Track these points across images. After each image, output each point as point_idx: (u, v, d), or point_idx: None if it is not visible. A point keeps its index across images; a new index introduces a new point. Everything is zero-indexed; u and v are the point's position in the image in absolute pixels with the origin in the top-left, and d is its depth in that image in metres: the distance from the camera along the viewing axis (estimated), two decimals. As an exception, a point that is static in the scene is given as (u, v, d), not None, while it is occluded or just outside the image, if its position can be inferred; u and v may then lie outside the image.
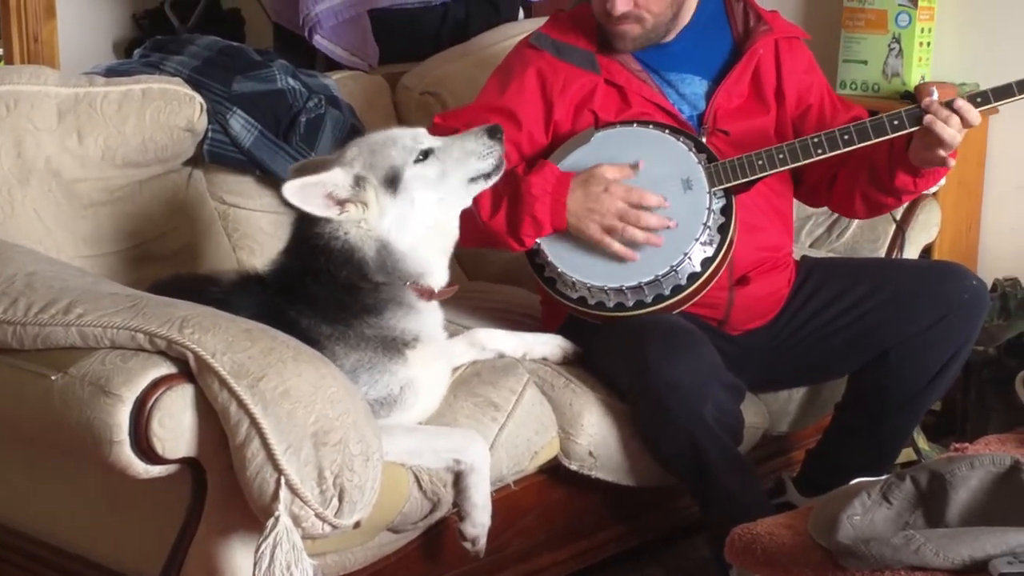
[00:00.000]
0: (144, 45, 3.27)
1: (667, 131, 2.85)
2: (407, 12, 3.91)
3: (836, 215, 3.63)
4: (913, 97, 3.82)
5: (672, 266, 2.75)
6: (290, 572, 2.14)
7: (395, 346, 2.52)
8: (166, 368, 2.18)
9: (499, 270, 3.47)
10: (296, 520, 2.15)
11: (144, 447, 2.15)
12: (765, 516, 2.64)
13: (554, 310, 2.94)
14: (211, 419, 2.18)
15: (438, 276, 2.60)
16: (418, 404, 2.56)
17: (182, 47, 3.19)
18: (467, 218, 2.68)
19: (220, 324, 2.23)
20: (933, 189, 3.66)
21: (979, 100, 2.74)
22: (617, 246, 2.76)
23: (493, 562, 2.74)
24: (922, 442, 3.42)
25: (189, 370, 2.18)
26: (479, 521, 2.59)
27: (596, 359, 2.90)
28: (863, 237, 3.60)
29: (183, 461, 2.21)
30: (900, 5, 3.97)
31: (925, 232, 3.63)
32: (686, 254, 2.75)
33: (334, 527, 2.20)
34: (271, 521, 2.13)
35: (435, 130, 2.73)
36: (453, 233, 2.64)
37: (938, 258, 3.81)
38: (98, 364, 2.19)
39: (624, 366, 2.80)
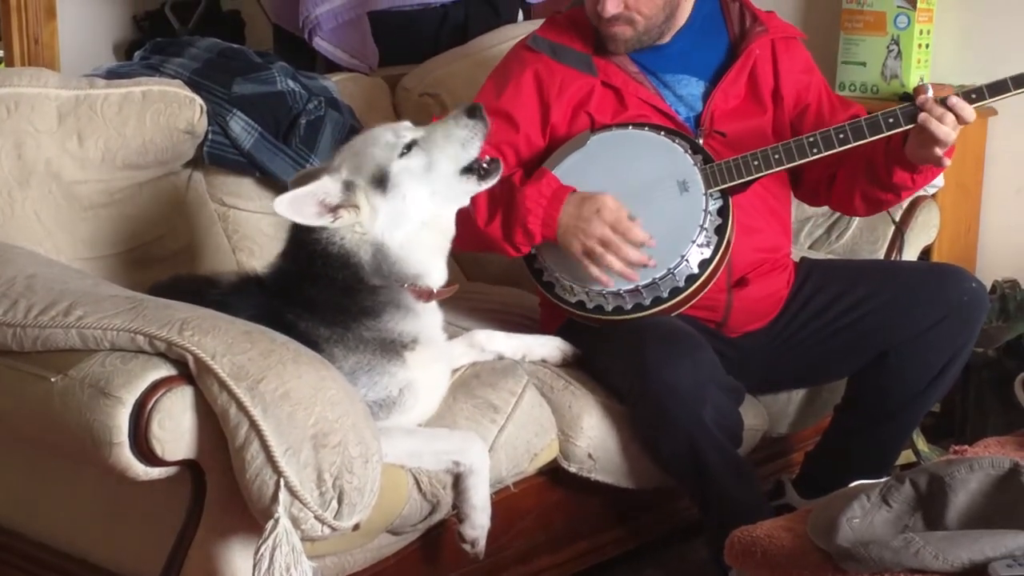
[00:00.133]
0: (144, 47, 3.27)
1: (663, 133, 2.86)
2: (406, 14, 3.91)
3: (835, 217, 3.64)
4: (912, 99, 3.82)
5: (670, 269, 2.75)
6: (289, 574, 2.14)
7: (394, 348, 2.52)
8: (166, 370, 2.18)
9: (498, 271, 3.47)
10: (295, 522, 2.15)
11: (144, 449, 2.15)
12: (764, 518, 2.64)
13: (553, 312, 2.94)
14: (211, 421, 2.18)
15: (436, 276, 2.60)
16: (417, 406, 2.56)
17: (182, 49, 3.19)
18: (465, 222, 2.68)
19: (220, 326, 2.23)
20: (933, 190, 3.67)
21: (974, 96, 2.73)
22: (593, 269, 2.75)
23: (492, 564, 2.74)
24: (921, 444, 3.42)
25: (189, 372, 2.18)
26: (478, 523, 2.59)
27: (595, 362, 2.90)
28: (862, 239, 3.60)
29: (183, 463, 2.22)
30: (899, 7, 3.97)
31: (924, 233, 3.63)
32: (683, 256, 2.75)
33: (333, 529, 2.20)
34: (270, 523, 2.13)
35: None
36: (449, 231, 2.63)
37: (937, 260, 3.81)
38: (98, 366, 2.19)
39: (623, 369, 2.81)
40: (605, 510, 3.01)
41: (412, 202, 2.53)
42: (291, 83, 3.18)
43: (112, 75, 3.04)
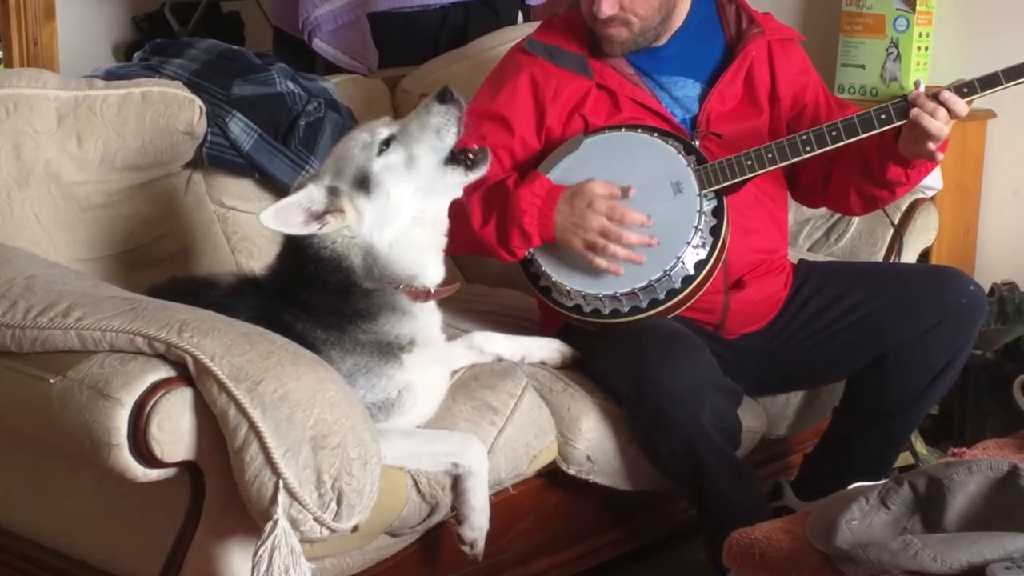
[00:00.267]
0: (144, 48, 3.27)
1: (656, 134, 2.86)
2: (406, 15, 3.91)
3: (834, 219, 3.64)
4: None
5: (665, 271, 2.75)
6: (288, 575, 2.14)
7: (391, 351, 2.51)
8: (165, 372, 2.18)
9: (497, 273, 3.47)
10: (294, 524, 2.15)
11: (143, 450, 2.15)
12: (762, 520, 2.64)
13: (552, 314, 2.94)
14: (210, 422, 2.18)
15: (432, 275, 2.59)
16: (416, 408, 2.56)
17: (182, 50, 3.19)
18: (460, 226, 2.67)
19: (219, 328, 2.23)
20: (931, 192, 3.68)
21: (966, 90, 2.73)
22: (599, 261, 2.76)
23: (491, 565, 2.74)
24: (920, 446, 3.42)
25: (188, 374, 2.18)
26: (477, 524, 2.59)
27: (593, 364, 2.90)
28: (861, 241, 3.60)
29: (182, 464, 2.22)
30: (898, 9, 3.97)
31: (923, 236, 3.63)
32: (679, 258, 2.75)
33: (332, 531, 2.20)
34: (269, 525, 2.13)
35: None
36: (441, 226, 2.61)
37: (936, 262, 3.81)
38: (97, 367, 2.19)
39: (621, 372, 2.81)
40: (604, 512, 3.02)
41: (397, 199, 2.52)
42: (290, 84, 3.18)
43: (111, 76, 3.04)
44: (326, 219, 2.47)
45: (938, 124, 2.70)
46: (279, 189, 3.03)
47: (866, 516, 2.04)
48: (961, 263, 3.88)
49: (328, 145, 3.12)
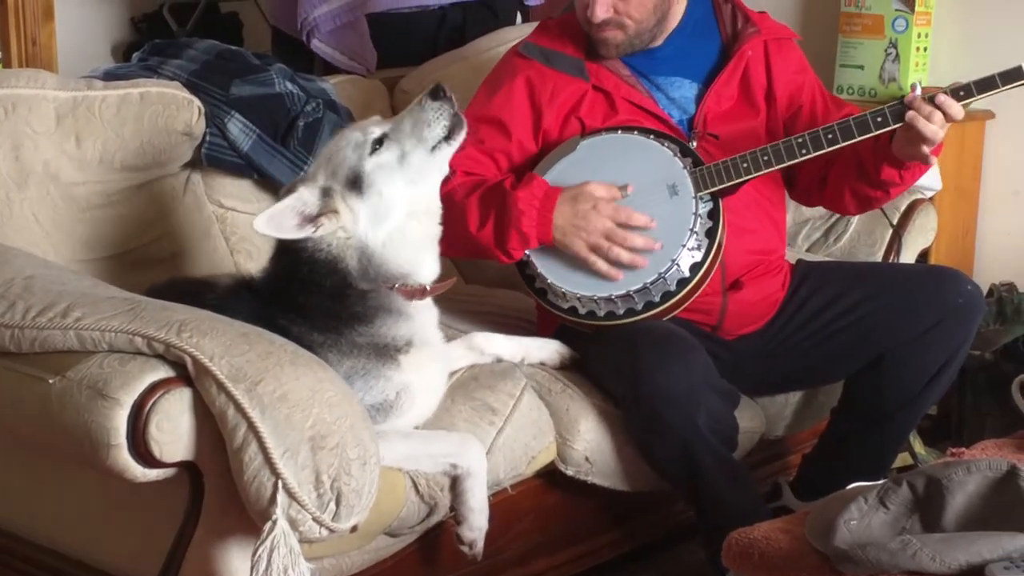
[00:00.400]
0: (142, 49, 3.27)
1: (652, 136, 2.86)
2: (404, 16, 3.91)
3: (833, 220, 3.64)
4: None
5: (661, 273, 2.75)
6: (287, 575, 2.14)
7: (388, 352, 2.51)
8: (164, 372, 2.18)
9: (496, 274, 3.47)
10: (293, 524, 2.15)
11: (142, 451, 2.15)
12: (760, 521, 2.64)
13: (549, 315, 2.94)
14: (209, 423, 2.18)
15: (426, 271, 2.59)
16: (414, 408, 2.56)
17: (180, 51, 3.19)
18: (456, 228, 2.67)
19: (218, 328, 2.23)
20: (930, 193, 3.68)
21: (962, 94, 2.73)
22: (602, 264, 2.75)
23: (490, 566, 2.74)
24: (919, 447, 3.42)
25: (187, 374, 2.18)
26: (476, 525, 2.59)
27: (590, 366, 2.90)
28: (860, 242, 3.60)
29: (181, 465, 2.21)
30: (897, 10, 3.98)
31: (922, 236, 3.63)
32: (674, 260, 2.75)
33: (331, 531, 2.20)
34: (268, 525, 2.13)
35: None
36: (434, 213, 2.61)
37: (934, 263, 3.81)
38: (96, 368, 2.19)
39: (616, 375, 2.81)
40: (602, 512, 3.02)
41: (390, 196, 2.51)
42: (289, 85, 3.18)
43: (110, 76, 3.04)
44: (320, 221, 2.47)
45: (933, 128, 2.70)
46: (278, 190, 3.01)
47: (865, 516, 2.05)
48: (960, 264, 3.88)
49: (327, 145, 3.12)
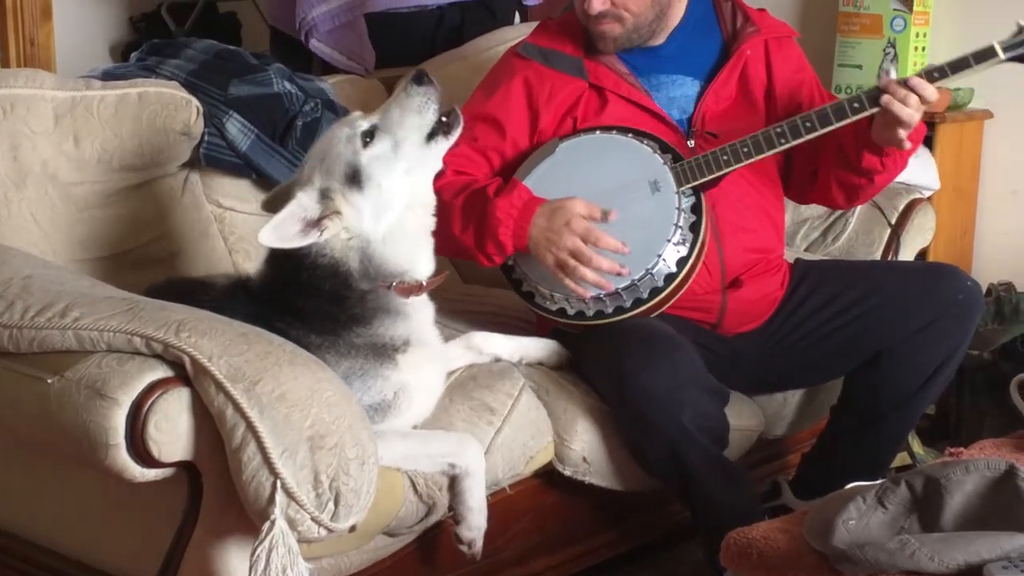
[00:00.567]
0: (140, 48, 3.27)
1: (630, 135, 2.86)
2: (403, 16, 3.91)
3: (831, 219, 3.64)
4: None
5: (648, 269, 2.75)
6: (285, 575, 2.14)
7: (386, 352, 2.51)
8: (162, 372, 2.18)
9: (494, 273, 3.45)
10: (292, 524, 2.15)
11: (140, 451, 2.15)
12: (754, 516, 2.65)
13: (545, 315, 2.95)
14: (207, 423, 2.18)
15: (422, 267, 2.58)
16: (412, 408, 2.56)
17: (178, 51, 3.19)
18: (442, 227, 2.66)
19: (216, 328, 2.23)
20: (928, 192, 3.68)
21: (936, 75, 2.74)
22: (568, 282, 2.75)
23: (489, 565, 2.74)
24: (917, 446, 3.42)
25: (185, 374, 2.18)
26: (475, 524, 2.59)
27: (582, 367, 2.90)
28: (858, 241, 3.60)
29: (179, 465, 2.21)
30: (895, 10, 3.98)
31: (920, 236, 3.63)
32: (660, 256, 2.75)
33: (330, 531, 2.20)
34: (267, 525, 2.13)
35: None
36: (429, 205, 2.60)
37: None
38: (94, 367, 2.19)
39: (604, 375, 2.81)
40: (601, 512, 3.02)
41: (390, 187, 2.51)
42: (287, 85, 3.18)
43: (108, 76, 3.04)
44: (324, 224, 2.46)
45: (909, 111, 2.71)
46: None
47: (863, 516, 2.05)
48: (958, 263, 3.87)
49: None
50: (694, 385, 2.74)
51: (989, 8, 4.02)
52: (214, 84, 3.08)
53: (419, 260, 2.58)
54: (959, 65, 2.73)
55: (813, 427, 3.30)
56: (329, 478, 2.17)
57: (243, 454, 2.14)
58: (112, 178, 2.91)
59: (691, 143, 2.88)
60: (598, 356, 2.82)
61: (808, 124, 2.78)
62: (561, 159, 2.86)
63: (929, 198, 3.71)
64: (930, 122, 3.90)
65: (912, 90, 2.70)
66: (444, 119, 2.58)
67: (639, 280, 2.75)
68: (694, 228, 2.78)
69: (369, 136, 2.52)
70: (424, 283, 2.58)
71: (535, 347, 2.91)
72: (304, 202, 2.46)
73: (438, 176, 2.66)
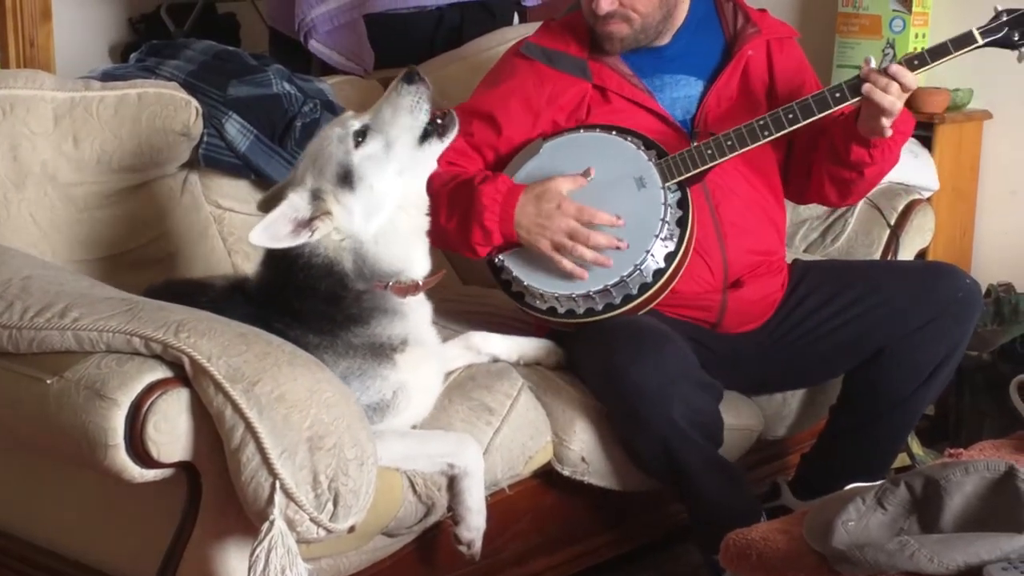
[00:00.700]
0: (140, 49, 3.27)
1: (614, 132, 2.86)
2: (402, 17, 3.91)
3: (830, 220, 3.64)
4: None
5: (636, 265, 2.75)
6: (285, 576, 2.14)
7: (383, 351, 2.51)
8: (161, 372, 2.18)
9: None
10: (291, 524, 2.15)
11: (139, 451, 2.15)
12: (750, 516, 2.66)
13: (540, 316, 2.95)
14: (206, 423, 2.18)
15: (419, 266, 2.58)
16: (411, 407, 2.56)
17: (178, 51, 3.19)
18: (431, 218, 2.66)
19: (215, 328, 2.23)
20: (928, 193, 3.68)
21: (916, 63, 2.75)
22: (566, 263, 2.75)
23: (488, 566, 2.74)
24: (916, 447, 3.42)
25: (185, 374, 2.18)
26: (474, 525, 2.59)
27: (576, 366, 2.90)
28: (857, 242, 3.61)
29: (178, 465, 2.21)
30: (894, 10, 3.98)
31: (919, 236, 3.64)
32: (648, 251, 2.75)
33: (329, 531, 2.20)
34: (266, 525, 2.13)
35: None
36: (423, 206, 2.60)
37: (932, 261, 3.81)
38: (94, 368, 2.19)
39: (596, 372, 2.81)
40: (600, 512, 3.02)
41: (381, 188, 2.50)
42: (287, 86, 3.18)
43: (108, 77, 3.04)
44: (314, 225, 2.45)
45: (890, 99, 2.72)
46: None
47: (863, 517, 2.05)
48: (957, 264, 3.86)
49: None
50: (685, 380, 2.73)
51: (988, 8, 4.02)
52: (213, 85, 3.08)
53: (414, 260, 2.58)
54: (938, 52, 2.75)
55: (813, 428, 3.30)
56: (328, 478, 2.17)
57: (242, 454, 2.14)
58: (111, 179, 2.91)
59: (694, 144, 2.88)
60: (590, 354, 2.82)
61: (791, 116, 2.78)
62: (546, 158, 2.86)
63: (928, 199, 3.71)
64: (929, 123, 3.90)
65: (893, 78, 2.71)
66: (439, 121, 2.58)
67: (628, 276, 2.75)
68: (681, 223, 2.78)
69: (361, 136, 2.51)
70: (420, 282, 2.58)
71: (533, 347, 2.91)
72: (295, 203, 2.46)
73: None
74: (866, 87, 2.72)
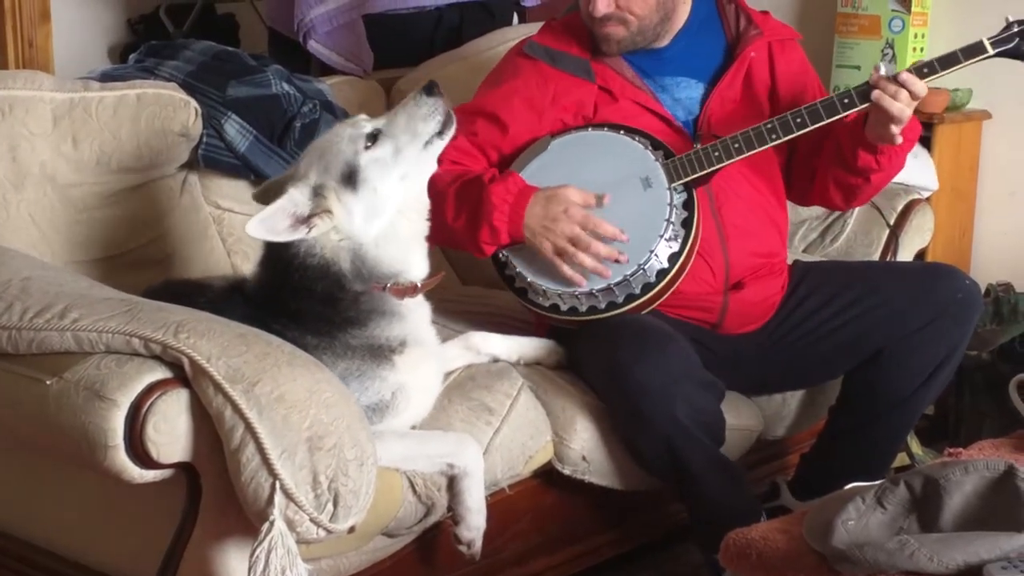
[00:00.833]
0: (139, 50, 3.27)
1: (622, 132, 2.86)
2: (401, 17, 3.91)
3: (830, 220, 3.65)
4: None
5: (640, 264, 2.75)
6: (284, 576, 2.14)
7: (382, 352, 2.51)
8: (161, 373, 2.18)
9: (493, 275, 3.45)
10: (291, 525, 2.15)
11: (139, 452, 2.15)
12: (750, 515, 2.66)
13: (541, 314, 2.95)
14: (206, 424, 2.18)
15: (417, 268, 2.58)
16: (410, 408, 2.56)
17: (177, 52, 3.19)
18: (434, 216, 2.65)
19: (215, 329, 2.23)
20: (927, 193, 3.68)
21: (925, 71, 2.75)
22: (566, 269, 2.75)
23: (489, 566, 2.74)
24: (916, 447, 3.43)
25: (184, 375, 2.18)
26: (474, 525, 2.59)
27: (577, 364, 2.90)
28: (857, 242, 3.61)
29: (178, 466, 2.21)
30: (893, 11, 3.98)
31: (919, 237, 3.64)
32: (652, 251, 2.76)
33: (329, 532, 2.20)
34: (266, 526, 2.13)
35: None
36: (423, 209, 2.60)
37: (931, 262, 3.81)
38: (93, 369, 2.19)
39: (598, 371, 2.81)
40: (600, 512, 3.02)
41: (384, 192, 2.50)
42: (286, 86, 3.18)
43: (107, 78, 3.04)
44: (313, 222, 2.45)
45: (899, 106, 2.72)
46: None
47: (862, 516, 2.05)
48: (957, 264, 3.86)
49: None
50: (688, 379, 2.74)
51: (987, 9, 4.01)
52: (212, 85, 3.08)
53: (413, 263, 2.57)
54: (948, 61, 2.75)
55: (812, 428, 3.30)
56: (328, 479, 2.17)
57: (242, 455, 2.14)
58: (111, 179, 2.91)
59: (697, 145, 2.88)
60: (592, 352, 2.82)
61: (799, 120, 2.79)
62: (554, 155, 2.87)
63: (928, 199, 3.71)
64: (928, 123, 3.90)
65: (902, 85, 2.72)
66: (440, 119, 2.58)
67: (632, 275, 2.75)
68: (686, 224, 2.78)
69: (372, 139, 2.51)
70: (419, 284, 2.58)
71: (533, 347, 2.91)
72: (296, 197, 2.45)
73: None
74: (875, 94, 2.72)
